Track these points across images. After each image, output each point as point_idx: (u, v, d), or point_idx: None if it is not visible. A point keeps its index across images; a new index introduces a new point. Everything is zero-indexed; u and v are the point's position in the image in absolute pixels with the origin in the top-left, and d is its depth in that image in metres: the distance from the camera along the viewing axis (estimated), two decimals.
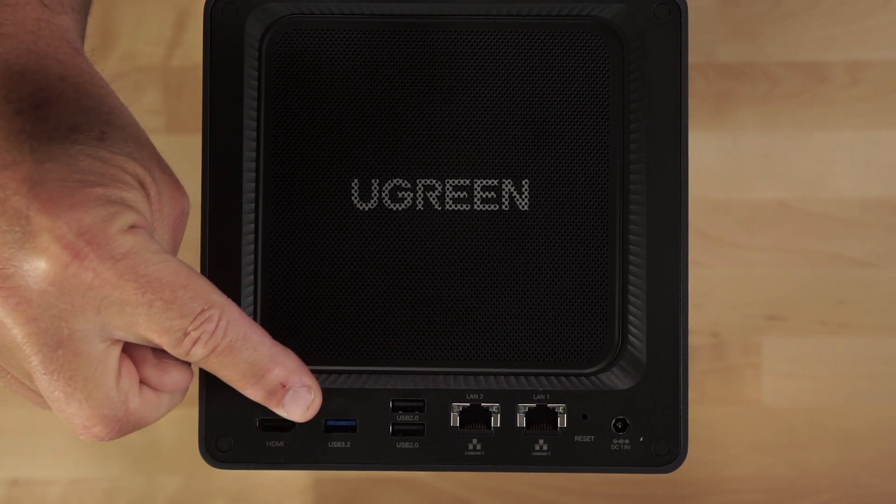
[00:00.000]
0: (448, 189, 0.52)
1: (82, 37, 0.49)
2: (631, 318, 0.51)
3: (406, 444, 0.51)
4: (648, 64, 0.51)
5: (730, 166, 0.75)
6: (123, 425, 0.46)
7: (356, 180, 0.52)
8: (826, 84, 0.75)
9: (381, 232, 0.52)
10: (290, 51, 0.52)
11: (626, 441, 0.51)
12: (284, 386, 0.47)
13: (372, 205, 0.52)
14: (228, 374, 0.47)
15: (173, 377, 0.48)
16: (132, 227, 0.44)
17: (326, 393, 0.50)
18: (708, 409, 0.75)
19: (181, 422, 0.76)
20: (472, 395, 0.51)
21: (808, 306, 0.75)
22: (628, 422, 0.51)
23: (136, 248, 0.44)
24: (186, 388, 0.49)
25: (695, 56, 0.75)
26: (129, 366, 0.46)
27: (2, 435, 0.77)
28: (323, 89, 0.52)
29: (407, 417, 0.51)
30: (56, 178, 0.43)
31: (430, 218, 0.52)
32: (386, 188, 0.52)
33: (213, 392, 0.51)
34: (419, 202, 0.52)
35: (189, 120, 0.77)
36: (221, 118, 0.51)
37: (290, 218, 0.52)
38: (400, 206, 0.52)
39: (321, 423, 0.51)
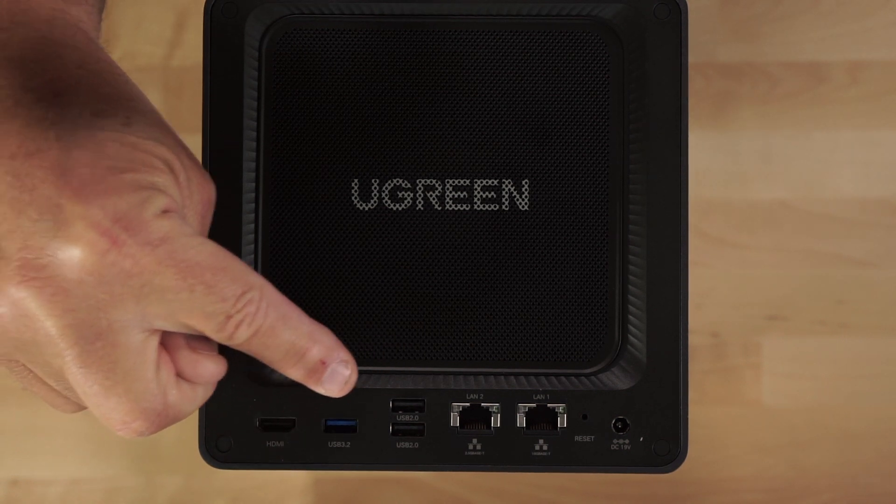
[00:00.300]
0: (448, 189, 0.52)
1: (97, 31, 0.49)
2: (631, 318, 0.51)
3: (406, 444, 0.51)
4: (648, 64, 0.51)
5: (730, 166, 0.75)
6: (163, 419, 0.46)
7: (356, 180, 0.52)
8: (826, 84, 0.75)
9: (381, 232, 0.52)
10: (290, 51, 0.52)
11: (626, 441, 0.51)
12: (324, 363, 0.47)
13: (372, 205, 0.52)
14: (271, 355, 0.46)
15: (208, 368, 0.47)
16: (164, 211, 0.43)
17: None
18: (708, 409, 0.75)
19: (181, 422, 0.76)
20: (472, 395, 0.51)
21: (808, 306, 0.75)
22: (628, 422, 0.51)
23: (172, 233, 0.43)
24: (217, 381, 0.48)
25: (695, 56, 0.75)
26: (166, 357, 0.46)
27: (2, 435, 0.77)
28: (323, 89, 0.52)
29: (407, 417, 0.51)
30: (85, 164, 0.42)
31: (430, 218, 0.52)
32: (386, 188, 0.52)
33: (213, 392, 0.51)
34: (419, 202, 0.52)
35: (189, 120, 0.77)
36: (221, 118, 0.51)
37: (290, 218, 0.52)
38: (400, 206, 0.52)
39: (321, 423, 0.51)
